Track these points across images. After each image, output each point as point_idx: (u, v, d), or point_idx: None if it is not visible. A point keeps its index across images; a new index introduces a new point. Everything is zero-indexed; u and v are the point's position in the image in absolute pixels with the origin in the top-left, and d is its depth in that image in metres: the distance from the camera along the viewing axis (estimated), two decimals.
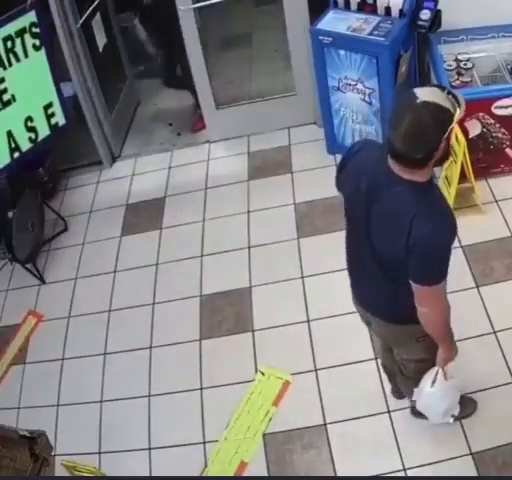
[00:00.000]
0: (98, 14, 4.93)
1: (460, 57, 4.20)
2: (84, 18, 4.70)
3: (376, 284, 2.52)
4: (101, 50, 5.02)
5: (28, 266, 4.52)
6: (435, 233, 2.21)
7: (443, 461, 3.08)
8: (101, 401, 3.77)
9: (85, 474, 2.97)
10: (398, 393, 3.33)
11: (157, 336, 3.98)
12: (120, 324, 4.13)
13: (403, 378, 3.03)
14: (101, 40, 5.01)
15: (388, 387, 3.42)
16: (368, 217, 2.34)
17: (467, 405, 3.19)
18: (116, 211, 4.91)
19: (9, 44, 3.81)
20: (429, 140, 2.11)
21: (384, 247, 2.34)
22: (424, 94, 2.10)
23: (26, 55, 3.94)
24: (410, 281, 2.30)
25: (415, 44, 4.29)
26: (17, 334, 4.25)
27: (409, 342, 2.68)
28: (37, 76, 4.08)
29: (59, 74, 4.30)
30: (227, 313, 4.00)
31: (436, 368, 2.72)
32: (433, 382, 2.73)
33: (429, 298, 2.33)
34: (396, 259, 2.29)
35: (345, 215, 2.54)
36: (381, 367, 3.35)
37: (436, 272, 2.27)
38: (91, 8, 4.76)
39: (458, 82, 4.10)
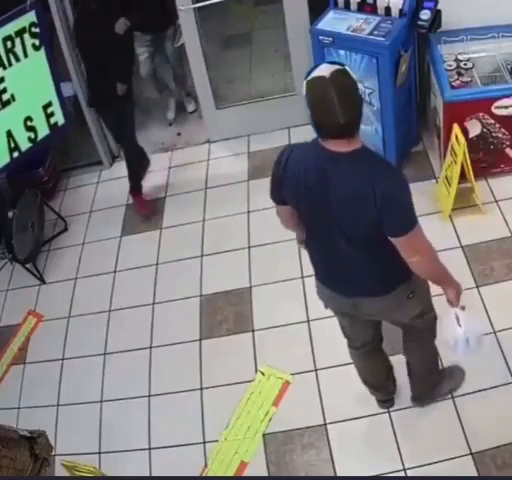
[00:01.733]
0: None
1: (460, 57, 4.20)
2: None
3: (358, 265, 2.55)
4: None
5: (28, 266, 4.53)
6: (395, 182, 2.35)
7: (443, 461, 3.08)
8: (101, 401, 3.77)
9: (85, 474, 2.97)
10: (388, 397, 3.32)
11: (157, 336, 3.98)
12: (120, 324, 4.13)
13: (413, 347, 3.06)
14: None
15: None
16: (329, 207, 2.39)
17: (455, 375, 3.24)
18: (116, 211, 4.91)
19: (9, 44, 3.81)
20: (358, 98, 2.30)
21: (356, 225, 2.40)
22: (323, 71, 2.26)
23: (26, 55, 3.94)
24: (392, 239, 2.37)
25: (415, 44, 4.29)
26: (17, 334, 4.25)
27: (402, 304, 2.71)
28: (36, 76, 4.08)
29: (59, 74, 4.30)
30: (227, 313, 4.00)
31: (452, 311, 2.71)
32: (459, 323, 2.72)
33: (416, 244, 2.39)
34: (371, 230, 2.37)
35: (303, 221, 2.59)
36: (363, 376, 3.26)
37: (411, 215, 2.36)
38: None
39: (458, 82, 4.10)
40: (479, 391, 3.29)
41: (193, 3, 4.63)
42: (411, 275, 2.58)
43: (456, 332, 2.75)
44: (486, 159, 4.20)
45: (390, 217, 2.32)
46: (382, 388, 3.31)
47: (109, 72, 4.19)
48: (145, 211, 4.78)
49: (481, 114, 3.99)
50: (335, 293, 2.74)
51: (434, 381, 3.24)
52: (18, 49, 3.89)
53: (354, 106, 2.26)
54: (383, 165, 2.40)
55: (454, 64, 4.18)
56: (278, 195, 2.57)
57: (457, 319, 2.72)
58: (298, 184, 2.44)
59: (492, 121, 4.02)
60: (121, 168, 5.20)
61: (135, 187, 4.82)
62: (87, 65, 4.41)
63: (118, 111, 4.46)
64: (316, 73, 2.27)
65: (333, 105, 2.21)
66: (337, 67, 2.28)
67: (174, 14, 4.78)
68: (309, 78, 2.29)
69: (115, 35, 4.14)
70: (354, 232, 2.43)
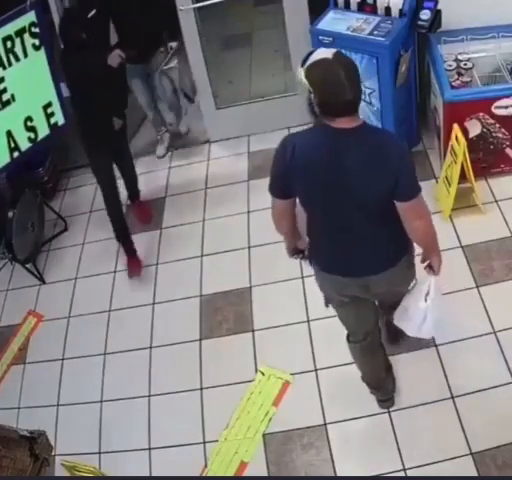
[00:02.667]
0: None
1: (460, 57, 4.20)
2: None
3: (372, 240, 2.66)
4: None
5: (28, 266, 4.53)
6: (404, 150, 2.61)
7: (443, 461, 3.08)
8: (101, 401, 3.77)
9: (85, 474, 2.97)
10: (388, 396, 3.36)
11: (157, 336, 3.98)
12: (120, 324, 4.13)
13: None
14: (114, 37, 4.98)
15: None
16: (347, 184, 2.48)
17: None
18: None
19: (9, 44, 3.81)
20: (359, 75, 2.43)
21: (372, 195, 2.51)
22: (324, 54, 2.42)
23: (26, 55, 3.94)
24: (402, 204, 2.52)
25: (415, 44, 4.29)
26: (17, 334, 4.25)
27: (406, 275, 2.86)
28: (36, 76, 4.08)
29: (59, 74, 4.29)
30: (227, 313, 4.00)
31: (428, 282, 2.81)
32: (427, 295, 2.79)
33: (420, 208, 2.59)
34: (384, 199, 2.51)
35: (315, 208, 2.64)
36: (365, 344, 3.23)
37: (417, 181, 2.56)
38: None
39: (458, 82, 4.10)
40: (479, 391, 3.29)
41: (193, 3, 4.63)
42: (409, 247, 2.77)
43: (419, 305, 2.81)
44: (486, 159, 4.20)
45: (404, 180, 2.48)
46: (382, 386, 3.31)
47: (103, 108, 3.97)
48: (135, 272, 4.41)
49: (481, 114, 3.99)
50: (347, 278, 2.77)
51: None
52: (18, 49, 3.89)
53: (358, 83, 2.40)
54: (389, 135, 2.65)
55: (454, 64, 4.18)
56: (281, 188, 2.61)
57: (427, 294, 2.79)
58: (314, 170, 2.50)
59: (492, 121, 4.02)
60: None
61: (128, 247, 4.45)
62: (79, 103, 3.97)
63: (117, 149, 4.33)
64: (318, 56, 2.41)
65: (342, 83, 2.34)
66: (335, 50, 2.44)
67: (158, 40, 4.65)
68: (312, 61, 2.41)
69: (108, 68, 3.85)
70: (369, 204, 2.54)
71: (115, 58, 3.86)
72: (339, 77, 2.35)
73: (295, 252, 2.96)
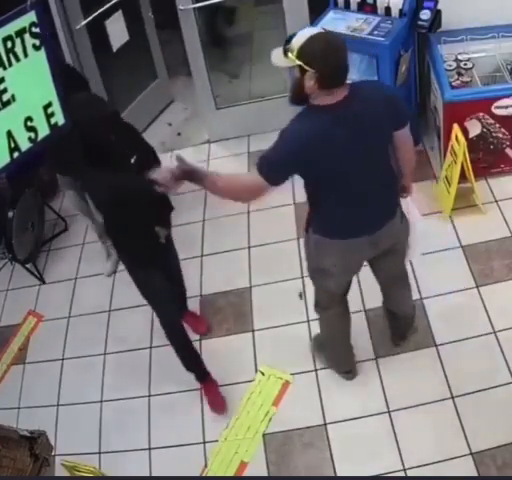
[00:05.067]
0: (119, 12, 4.90)
1: (460, 57, 4.20)
2: (90, 19, 4.70)
3: (389, 185, 2.85)
4: (117, 50, 4.98)
5: (28, 266, 4.53)
6: (386, 85, 3.01)
7: (443, 461, 3.08)
8: (101, 401, 3.77)
9: (85, 474, 2.97)
10: (353, 365, 3.52)
11: (157, 336, 3.97)
12: (120, 324, 4.13)
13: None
14: (119, 39, 4.98)
15: (388, 387, 3.43)
16: (367, 142, 2.60)
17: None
18: None
19: (9, 44, 3.80)
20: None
21: (387, 138, 2.73)
22: (315, 30, 2.52)
23: (26, 55, 3.92)
24: (404, 130, 2.79)
25: (415, 44, 4.29)
26: (17, 334, 4.25)
27: (404, 224, 3.03)
28: (37, 76, 4.07)
29: (59, 74, 4.29)
30: (227, 313, 4.00)
31: (409, 203, 3.07)
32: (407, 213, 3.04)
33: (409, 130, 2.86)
34: (391, 137, 2.77)
35: (334, 185, 2.67)
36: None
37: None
38: (102, 10, 4.75)
39: (458, 82, 4.10)
40: (479, 391, 3.29)
41: (193, 3, 4.63)
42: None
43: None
44: (486, 159, 4.20)
45: (400, 106, 2.75)
46: (351, 354, 3.46)
47: (144, 219, 3.18)
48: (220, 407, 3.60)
49: (481, 114, 3.99)
50: (363, 236, 2.84)
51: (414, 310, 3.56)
52: (18, 49, 3.87)
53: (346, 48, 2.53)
54: (371, 83, 2.87)
55: (454, 64, 4.18)
56: (285, 177, 2.62)
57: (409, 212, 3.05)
58: (333, 154, 2.56)
59: (492, 121, 4.02)
60: None
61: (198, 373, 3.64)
62: (113, 220, 3.21)
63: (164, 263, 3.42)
64: (310, 33, 2.48)
65: (343, 50, 2.47)
66: (318, 27, 2.61)
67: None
68: (310, 36, 2.46)
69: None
70: (385, 152, 2.74)
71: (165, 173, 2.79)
72: (339, 45, 2.47)
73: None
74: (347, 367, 3.51)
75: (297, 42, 2.46)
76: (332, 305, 3.24)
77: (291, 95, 2.64)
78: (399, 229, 2.99)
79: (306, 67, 2.46)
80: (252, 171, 2.61)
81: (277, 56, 2.57)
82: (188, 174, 2.69)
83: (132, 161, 3.02)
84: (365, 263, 3.14)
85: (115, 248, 3.47)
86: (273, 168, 2.59)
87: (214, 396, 3.57)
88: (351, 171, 2.63)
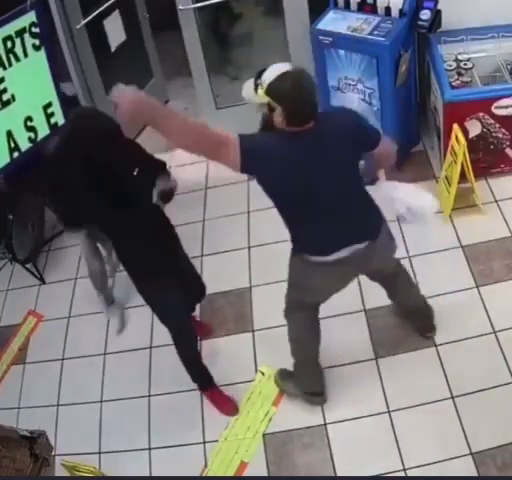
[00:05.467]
0: (116, 12, 4.91)
1: (460, 57, 4.20)
2: (90, 18, 4.70)
3: (364, 207, 2.86)
4: (114, 49, 4.99)
5: (28, 266, 4.53)
6: (349, 110, 2.88)
7: (443, 461, 3.08)
8: (101, 401, 3.77)
9: (85, 474, 2.97)
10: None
11: (157, 336, 3.97)
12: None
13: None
14: (117, 39, 4.99)
15: (388, 387, 3.43)
16: (336, 163, 2.64)
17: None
18: None
19: (9, 44, 3.81)
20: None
21: (354, 158, 2.75)
22: (283, 68, 2.59)
23: (26, 55, 3.94)
24: (379, 147, 2.82)
25: (415, 44, 4.29)
26: (17, 334, 4.25)
27: (391, 242, 3.07)
28: (37, 76, 4.08)
29: (59, 74, 4.30)
30: (227, 313, 4.00)
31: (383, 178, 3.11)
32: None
33: (386, 137, 2.90)
34: (358, 160, 2.78)
35: (304, 205, 2.70)
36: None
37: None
38: (100, 9, 4.76)
39: (458, 82, 4.10)
40: (479, 391, 3.29)
41: (193, 3, 4.63)
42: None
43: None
44: (486, 159, 4.20)
45: (368, 128, 2.80)
46: (321, 372, 3.45)
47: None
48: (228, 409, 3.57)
49: (481, 114, 3.99)
50: (350, 253, 2.83)
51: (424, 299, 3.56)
52: (18, 49, 3.89)
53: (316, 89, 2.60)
54: (336, 111, 2.82)
55: (454, 64, 4.18)
56: (250, 169, 2.64)
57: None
58: (297, 175, 2.60)
59: (492, 121, 4.02)
60: None
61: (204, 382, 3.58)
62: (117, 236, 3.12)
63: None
64: (278, 71, 2.53)
65: (311, 91, 2.52)
66: (287, 63, 2.62)
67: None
68: (275, 76, 2.50)
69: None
70: (355, 173, 2.76)
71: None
72: (307, 86, 2.51)
73: None
74: (317, 387, 3.42)
75: (266, 79, 2.50)
76: (302, 311, 3.22)
77: (261, 128, 2.67)
78: (384, 249, 2.98)
79: (274, 105, 2.49)
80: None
81: (248, 90, 2.60)
82: (143, 102, 2.46)
83: (134, 173, 2.98)
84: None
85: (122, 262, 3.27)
86: (250, 145, 2.56)
87: (222, 401, 3.55)
88: (313, 192, 2.65)
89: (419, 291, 3.53)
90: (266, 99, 2.51)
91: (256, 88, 2.55)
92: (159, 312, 3.34)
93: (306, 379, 3.44)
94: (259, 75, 2.55)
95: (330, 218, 2.75)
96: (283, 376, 3.55)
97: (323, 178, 2.63)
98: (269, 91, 2.50)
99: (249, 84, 2.59)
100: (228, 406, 3.54)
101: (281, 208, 2.77)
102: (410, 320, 3.57)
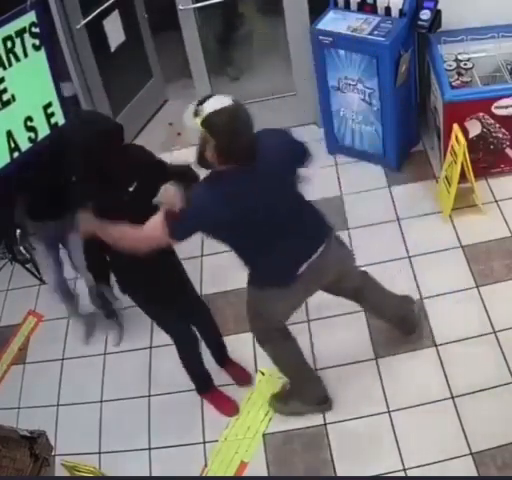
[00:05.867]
0: (116, 12, 4.91)
1: (460, 57, 4.20)
2: (90, 18, 4.70)
3: (312, 218, 2.88)
4: (114, 49, 4.99)
5: (28, 266, 4.52)
6: (278, 130, 2.80)
7: (443, 461, 3.08)
8: (101, 401, 3.77)
9: (85, 474, 2.97)
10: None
11: (157, 336, 3.97)
12: None
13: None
14: (116, 39, 4.99)
15: (388, 387, 3.43)
16: (277, 196, 2.65)
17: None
18: None
19: (9, 44, 3.80)
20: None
21: (294, 181, 2.77)
22: (221, 102, 2.48)
23: (26, 55, 3.93)
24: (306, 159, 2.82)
25: (415, 44, 4.29)
26: (17, 334, 4.25)
27: (344, 249, 3.12)
28: (37, 76, 4.07)
29: (59, 74, 4.29)
30: (227, 313, 3.99)
31: None
32: None
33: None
34: (297, 176, 2.78)
35: (254, 237, 2.70)
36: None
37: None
38: (100, 9, 4.76)
39: (458, 82, 4.10)
40: (479, 391, 3.29)
41: (193, 3, 4.63)
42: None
43: None
44: (486, 159, 4.20)
45: (302, 150, 2.79)
46: (317, 377, 3.41)
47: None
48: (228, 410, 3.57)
49: (481, 114, 3.99)
50: (306, 267, 2.83)
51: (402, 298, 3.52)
52: (18, 49, 3.88)
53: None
54: (266, 132, 2.69)
55: (454, 64, 4.18)
56: (190, 235, 2.70)
57: None
58: (248, 211, 2.57)
59: (492, 121, 4.02)
60: None
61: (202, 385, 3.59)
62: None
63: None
64: (217, 105, 2.45)
65: (248, 130, 2.49)
66: (226, 96, 2.50)
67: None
68: (213, 110, 2.43)
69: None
70: (295, 188, 2.76)
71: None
72: (245, 123, 2.47)
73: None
74: (322, 394, 3.39)
75: (206, 109, 2.44)
76: (274, 333, 3.20)
77: (197, 157, 2.62)
78: (337, 255, 2.97)
79: (209, 137, 2.45)
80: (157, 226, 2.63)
81: (188, 115, 2.54)
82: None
83: (131, 189, 2.86)
84: None
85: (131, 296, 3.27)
86: (187, 228, 2.67)
87: (222, 402, 3.55)
88: (264, 224, 2.65)
89: (396, 298, 3.45)
90: (201, 129, 2.45)
91: (195, 115, 2.47)
92: (154, 321, 3.44)
93: (309, 391, 3.39)
94: (201, 102, 2.47)
95: (284, 242, 2.75)
96: (282, 400, 3.46)
97: (271, 208, 2.63)
98: (205, 122, 2.43)
99: (191, 109, 2.52)
100: (228, 406, 3.54)
101: (235, 248, 2.79)
102: (390, 324, 3.53)
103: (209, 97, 2.49)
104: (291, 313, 3.12)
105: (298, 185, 2.79)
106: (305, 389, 3.38)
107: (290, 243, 2.76)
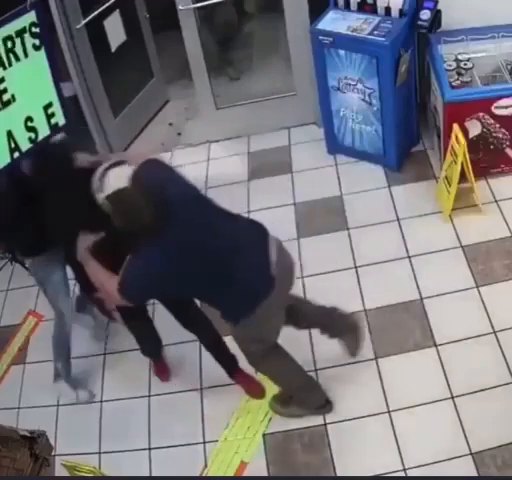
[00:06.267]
0: (117, 12, 4.93)
1: (460, 57, 4.20)
2: (90, 18, 4.70)
3: (244, 232, 2.88)
4: (114, 49, 5.00)
5: (28, 266, 4.52)
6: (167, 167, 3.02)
7: (443, 461, 3.08)
8: (101, 401, 3.77)
9: (85, 474, 2.97)
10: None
11: None
12: (120, 324, 4.12)
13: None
14: (117, 39, 5.00)
15: (388, 387, 3.43)
16: (200, 227, 2.74)
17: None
18: None
19: (9, 44, 3.80)
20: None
21: (208, 203, 2.96)
22: (120, 180, 2.54)
23: (26, 55, 3.93)
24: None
25: (415, 44, 4.29)
26: (17, 334, 4.25)
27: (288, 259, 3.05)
28: (37, 76, 4.07)
29: (59, 74, 4.29)
30: None
31: None
32: None
33: None
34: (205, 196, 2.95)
35: (206, 269, 2.73)
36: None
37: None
38: (100, 9, 4.77)
39: (458, 82, 4.10)
40: (479, 391, 3.29)
41: (193, 3, 4.63)
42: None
43: None
44: (486, 159, 4.20)
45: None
46: (314, 381, 3.41)
47: None
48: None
49: (481, 114, 3.99)
50: (274, 270, 2.84)
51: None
52: (18, 49, 3.88)
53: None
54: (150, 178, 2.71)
55: (454, 64, 4.18)
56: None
57: None
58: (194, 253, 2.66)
59: (492, 121, 4.02)
60: None
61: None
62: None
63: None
64: (117, 184, 2.49)
65: (147, 213, 2.53)
66: (126, 170, 2.55)
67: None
68: (112, 190, 2.49)
69: None
70: (214, 208, 2.90)
71: None
72: (142, 207, 2.50)
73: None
74: (322, 398, 3.38)
75: (106, 186, 2.50)
76: (268, 352, 3.18)
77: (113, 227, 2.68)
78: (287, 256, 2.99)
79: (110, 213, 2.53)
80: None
81: (99, 193, 2.58)
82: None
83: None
84: None
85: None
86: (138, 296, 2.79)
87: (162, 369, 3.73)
88: (209, 258, 2.70)
89: (325, 307, 3.43)
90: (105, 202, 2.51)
91: (98, 191, 2.52)
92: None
93: (309, 397, 3.39)
94: (102, 175, 2.52)
95: (239, 261, 2.77)
96: (281, 402, 3.45)
97: (208, 245, 2.68)
98: (106, 203, 2.51)
99: (96, 183, 2.56)
100: (162, 371, 3.72)
101: (198, 297, 2.95)
102: (337, 339, 3.49)
103: (119, 162, 2.56)
104: (280, 327, 3.11)
105: (212, 202, 2.88)
106: (306, 397, 3.39)
107: (243, 259, 2.78)
